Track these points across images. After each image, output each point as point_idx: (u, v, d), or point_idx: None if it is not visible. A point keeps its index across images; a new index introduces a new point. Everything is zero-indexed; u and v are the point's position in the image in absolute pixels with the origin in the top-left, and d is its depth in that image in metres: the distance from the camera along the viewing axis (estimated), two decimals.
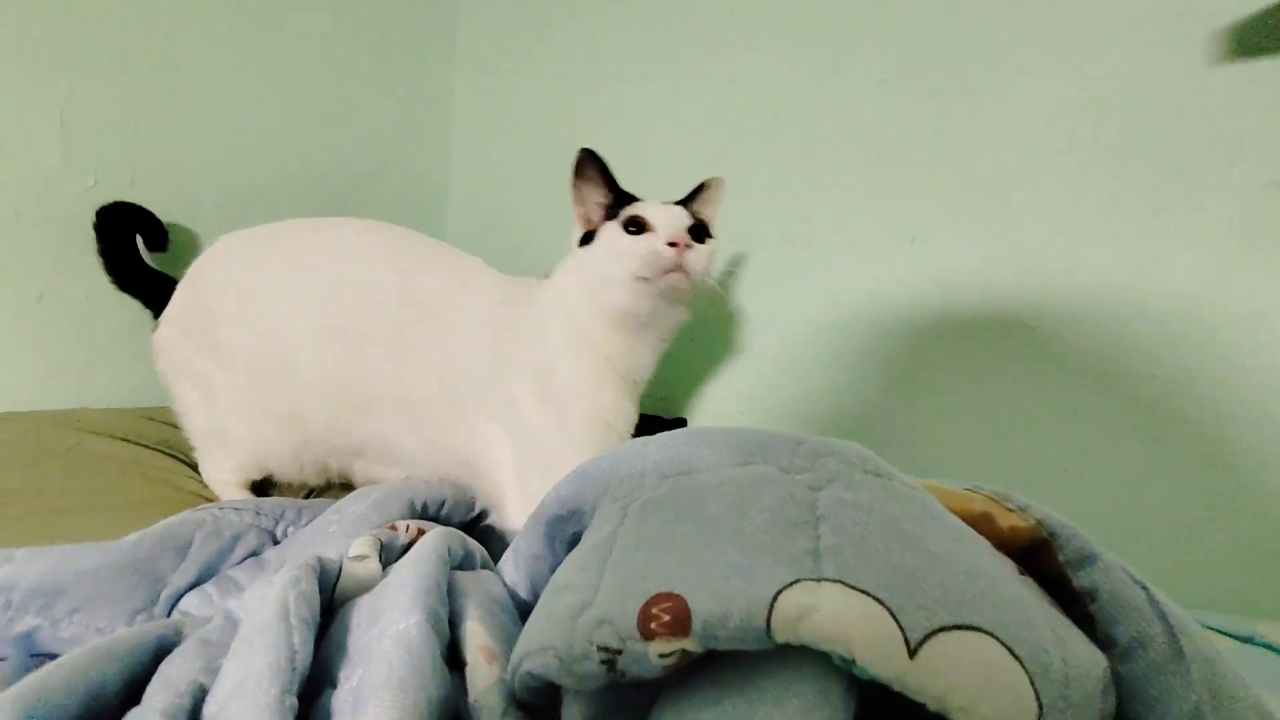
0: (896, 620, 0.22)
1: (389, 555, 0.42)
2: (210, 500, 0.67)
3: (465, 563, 0.40)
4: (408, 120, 1.26)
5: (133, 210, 0.82)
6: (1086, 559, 0.26)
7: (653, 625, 0.23)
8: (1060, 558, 0.27)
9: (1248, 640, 0.55)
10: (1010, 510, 0.28)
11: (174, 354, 0.71)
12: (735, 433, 0.32)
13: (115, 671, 0.28)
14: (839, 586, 0.23)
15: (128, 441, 0.74)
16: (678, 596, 0.23)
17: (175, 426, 0.74)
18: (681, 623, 0.23)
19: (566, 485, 0.38)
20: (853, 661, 0.22)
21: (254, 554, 0.50)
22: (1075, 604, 0.27)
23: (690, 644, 0.23)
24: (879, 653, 0.21)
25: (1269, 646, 0.55)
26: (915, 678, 0.21)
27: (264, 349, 0.68)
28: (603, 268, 0.62)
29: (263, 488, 0.74)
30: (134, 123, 0.88)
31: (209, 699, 0.27)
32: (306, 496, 0.73)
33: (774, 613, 0.22)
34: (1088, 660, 0.24)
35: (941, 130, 0.79)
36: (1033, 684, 0.22)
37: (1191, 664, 0.25)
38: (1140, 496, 0.68)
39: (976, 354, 0.77)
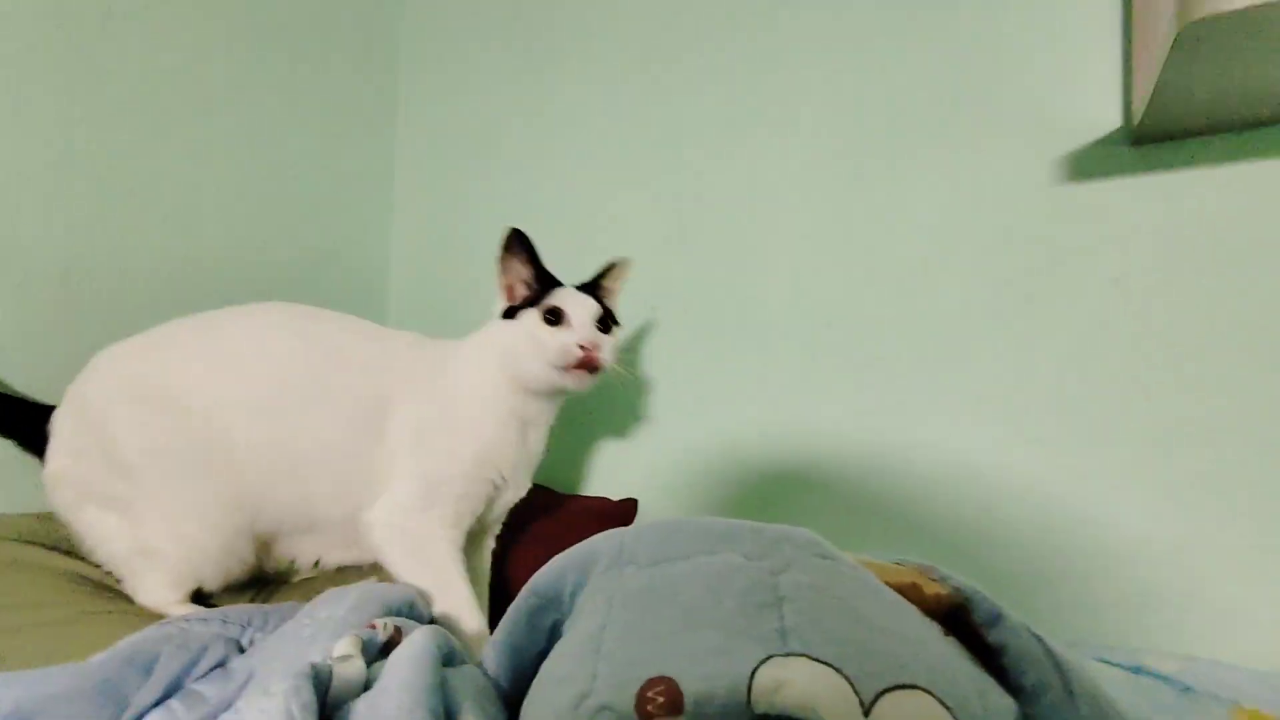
0: (852, 685, 0.27)
1: (370, 653, 0.43)
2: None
3: (449, 659, 0.42)
4: (349, 206, 1.29)
5: None
6: (995, 619, 0.33)
7: (649, 708, 0.27)
8: (975, 619, 0.33)
9: (1136, 670, 0.64)
10: (933, 580, 0.34)
11: (74, 483, 0.68)
12: (703, 523, 0.37)
13: None
14: (804, 660, 0.27)
15: (59, 551, 0.70)
16: (669, 679, 0.27)
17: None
18: (675, 703, 0.27)
19: (542, 578, 0.42)
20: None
21: (220, 664, 0.49)
22: (990, 658, 0.33)
23: None
24: (841, 714, 0.26)
25: (1155, 675, 0.63)
26: None
27: (182, 443, 0.66)
28: (521, 348, 0.70)
29: (202, 599, 0.71)
30: (65, 220, 0.87)
31: None
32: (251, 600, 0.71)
33: (753, 687, 0.27)
34: (1003, 706, 0.30)
35: (854, 229, 0.91)
36: None
37: (1080, 702, 0.31)
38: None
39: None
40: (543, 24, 1.22)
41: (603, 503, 0.95)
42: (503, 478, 0.73)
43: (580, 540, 0.42)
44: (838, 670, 0.27)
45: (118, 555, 0.68)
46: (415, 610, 0.56)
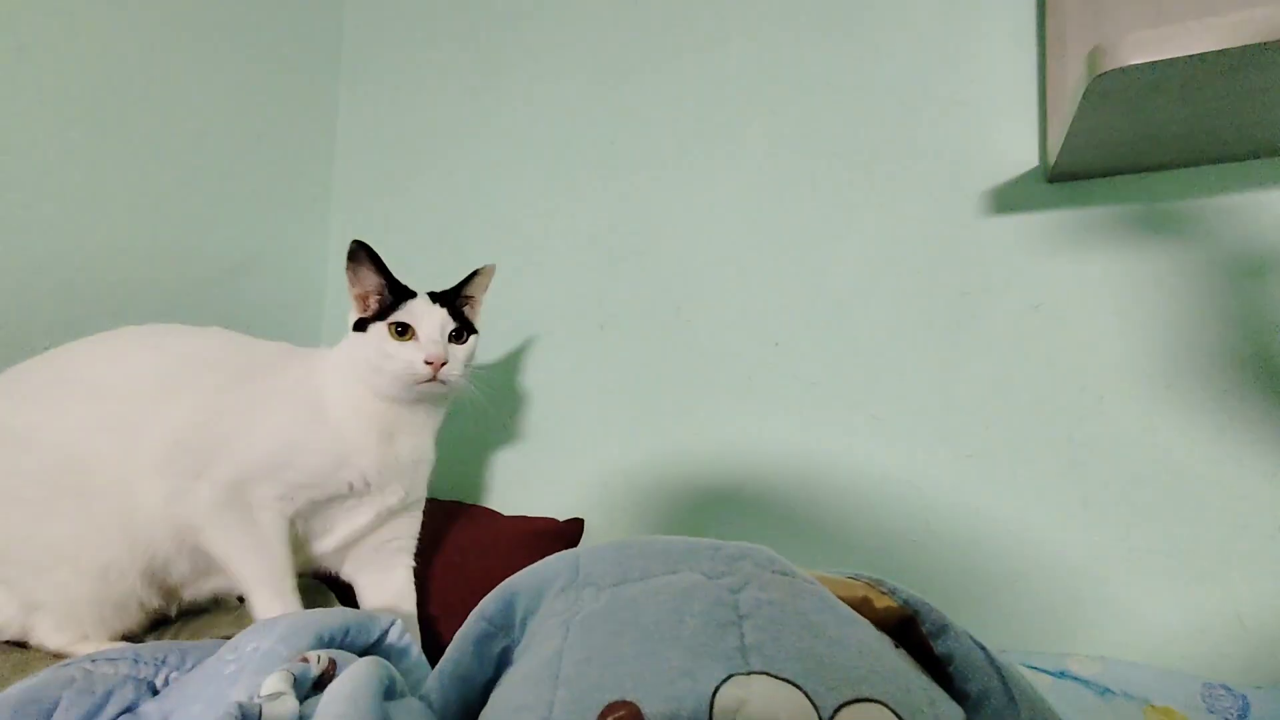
0: (811, 701, 0.27)
1: (301, 689, 0.40)
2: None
3: (390, 692, 0.40)
4: (286, 209, 1.23)
5: None
6: (941, 629, 0.34)
7: None
8: (923, 630, 0.34)
9: (1060, 675, 0.67)
10: (883, 593, 0.35)
11: None
12: (661, 542, 0.36)
13: None
14: (764, 677, 0.28)
15: None
16: (630, 703, 0.27)
17: None
18: None
19: (492, 602, 0.40)
20: None
21: (128, 709, 0.45)
22: (937, 667, 0.34)
23: None
24: None
25: (1076, 679, 0.67)
26: None
27: (31, 481, 0.62)
28: (372, 362, 0.70)
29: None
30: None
31: None
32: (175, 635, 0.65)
33: (714, 708, 0.26)
34: (953, 714, 0.31)
35: (794, 254, 0.94)
36: None
37: (1020, 707, 0.32)
38: None
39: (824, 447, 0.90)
40: (490, 39, 1.22)
41: (548, 523, 0.93)
42: (365, 482, 0.70)
43: (527, 562, 0.41)
44: (798, 687, 0.27)
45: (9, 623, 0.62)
46: (350, 639, 0.53)
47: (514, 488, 1.08)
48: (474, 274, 0.80)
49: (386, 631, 0.53)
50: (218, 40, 1.10)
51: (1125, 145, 0.70)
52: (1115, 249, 0.79)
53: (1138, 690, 0.65)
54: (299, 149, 1.27)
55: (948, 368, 0.85)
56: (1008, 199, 0.84)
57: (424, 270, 0.88)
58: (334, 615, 0.54)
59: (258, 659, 0.45)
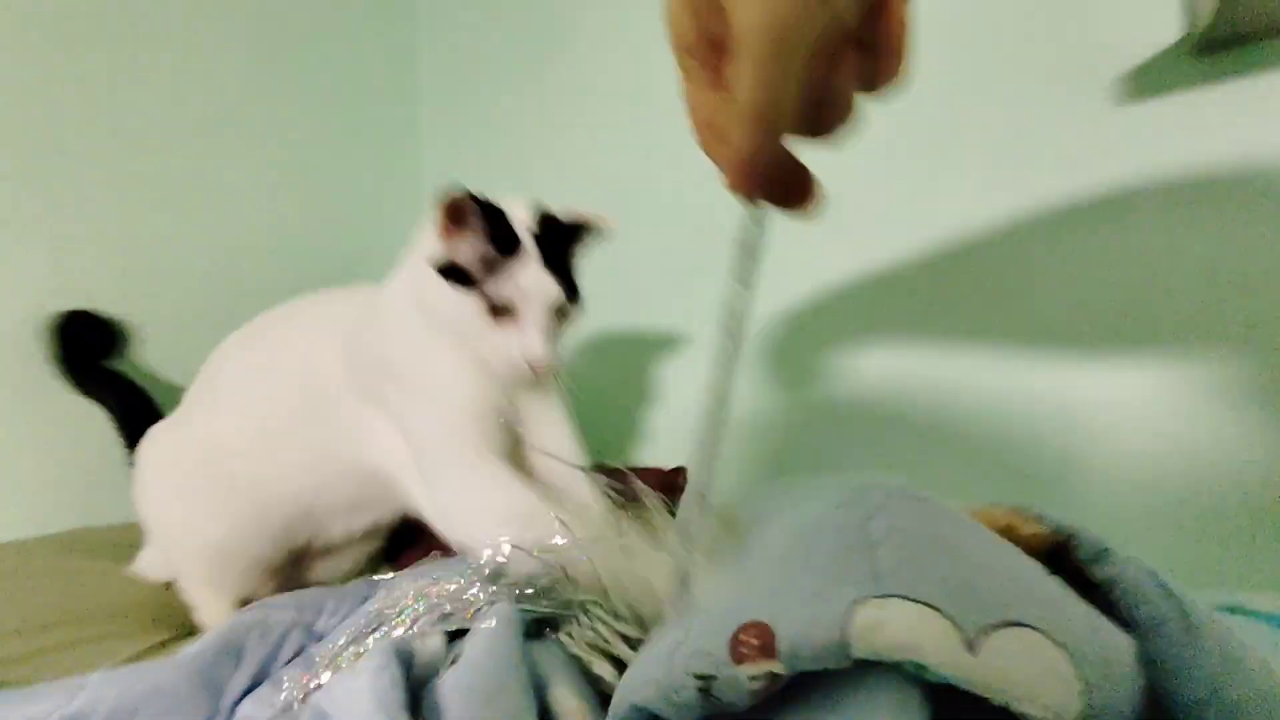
0: (955, 624, 0.25)
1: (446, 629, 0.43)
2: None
3: (530, 632, 0.42)
4: (380, 202, 1.30)
5: (89, 317, 0.83)
6: (1101, 554, 0.31)
7: (743, 650, 0.26)
8: (1079, 556, 0.31)
9: (1233, 611, 0.60)
10: (1029, 519, 0.32)
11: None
12: (793, 484, 0.36)
13: None
14: (900, 600, 0.26)
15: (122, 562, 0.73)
16: (763, 624, 0.26)
17: None
18: (768, 646, 0.26)
19: None
20: (924, 666, 0.25)
21: (298, 652, 0.50)
22: (1096, 595, 0.31)
23: (777, 666, 0.26)
24: (946, 655, 0.25)
25: (1254, 614, 0.60)
26: (979, 674, 0.24)
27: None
28: (465, 330, 0.59)
29: None
30: (124, 242, 0.89)
31: None
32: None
33: (850, 628, 0.25)
34: (1119, 643, 0.28)
35: (914, 177, 0.87)
36: (1076, 668, 0.25)
37: (1203, 636, 0.28)
38: None
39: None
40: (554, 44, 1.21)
41: (654, 474, 0.95)
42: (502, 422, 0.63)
43: None
44: (938, 610, 0.26)
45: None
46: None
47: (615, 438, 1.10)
48: (585, 223, 0.63)
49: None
50: (310, 57, 1.16)
51: None
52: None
53: None
54: (389, 143, 1.33)
55: (1086, 275, 0.76)
56: (1148, 80, 0.73)
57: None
58: (464, 568, 0.56)
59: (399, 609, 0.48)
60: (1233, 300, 0.69)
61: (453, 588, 0.42)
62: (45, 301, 0.81)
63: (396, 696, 0.31)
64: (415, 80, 1.37)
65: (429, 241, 0.60)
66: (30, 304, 0.80)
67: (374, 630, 0.42)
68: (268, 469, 0.67)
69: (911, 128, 0.85)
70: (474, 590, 0.42)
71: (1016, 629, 0.25)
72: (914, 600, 0.26)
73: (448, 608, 0.42)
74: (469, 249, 0.57)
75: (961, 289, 0.84)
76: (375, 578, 0.56)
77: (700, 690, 0.26)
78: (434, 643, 0.39)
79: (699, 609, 0.29)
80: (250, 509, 0.68)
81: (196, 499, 0.68)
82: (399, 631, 0.40)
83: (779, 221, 0.34)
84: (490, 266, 0.57)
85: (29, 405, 0.80)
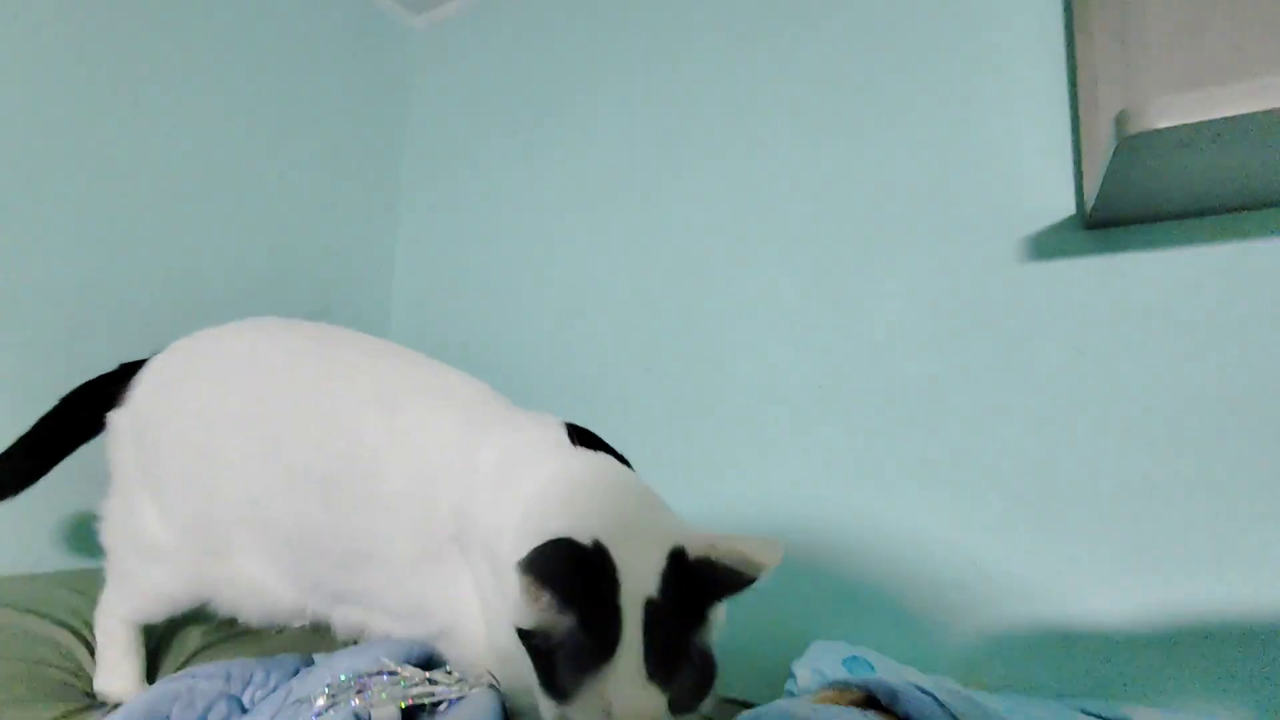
0: None
1: (403, 703, 0.44)
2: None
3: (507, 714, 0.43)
4: (354, 211, 1.33)
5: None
6: (893, 695, 0.42)
7: None
8: (883, 703, 0.42)
9: None
10: (842, 690, 0.45)
11: (120, 447, 0.64)
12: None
13: None
14: None
15: (34, 613, 0.68)
16: None
17: (90, 595, 0.67)
18: None
19: None
20: None
21: None
22: None
23: None
24: None
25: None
26: None
27: (209, 509, 0.61)
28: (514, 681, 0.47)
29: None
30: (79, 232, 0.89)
31: None
32: None
33: None
34: None
35: (840, 301, 0.98)
36: None
37: None
38: None
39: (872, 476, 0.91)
40: (534, 116, 1.31)
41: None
42: None
43: None
44: None
45: (110, 548, 0.65)
46: (439, 660, 0.55)
47: None
48: (743, 571, 0.42)
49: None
50: (304, 127, 1.22)
51: (1161, 194, 0.72)
52: (1157, 293, 0.79)
53: None
54: (369, 157, 1.38)
55: (995, 412, 0.86)
56: (1046, 245, 0.86)
57: (472, 310, 0.90)
58: (418, 644, 0.55)
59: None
60: None
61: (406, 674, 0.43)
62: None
63: None
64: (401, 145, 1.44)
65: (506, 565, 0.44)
66: None
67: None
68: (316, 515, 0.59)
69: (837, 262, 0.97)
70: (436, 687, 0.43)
71: None
72: None
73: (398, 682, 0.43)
74: (556, 627, 0.41)
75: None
76: (312, 655, 0.55)
77: None
78: (388, 714, 0.39)
79: None
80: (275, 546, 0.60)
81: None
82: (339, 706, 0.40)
83: None
84: (579, 664, 0.40)
85: None
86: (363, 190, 1.36)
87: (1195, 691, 0.71)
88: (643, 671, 0.39)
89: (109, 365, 0.69)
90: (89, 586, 0.69)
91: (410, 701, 0.42)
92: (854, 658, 0.75)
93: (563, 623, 0.40)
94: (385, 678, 0.43)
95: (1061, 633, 0.78)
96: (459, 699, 0.42)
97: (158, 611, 0.65)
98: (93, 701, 0.61)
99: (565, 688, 0.39)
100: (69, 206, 0.89)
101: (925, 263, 0.93)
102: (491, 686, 0.45)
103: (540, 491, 0.50)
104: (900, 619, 0.85)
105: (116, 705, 0.54)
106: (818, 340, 0.98)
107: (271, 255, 1.15)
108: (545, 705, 0.41)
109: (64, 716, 0.55)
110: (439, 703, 0.43)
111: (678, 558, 0.42)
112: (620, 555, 0.41)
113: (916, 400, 0.90)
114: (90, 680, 0.63)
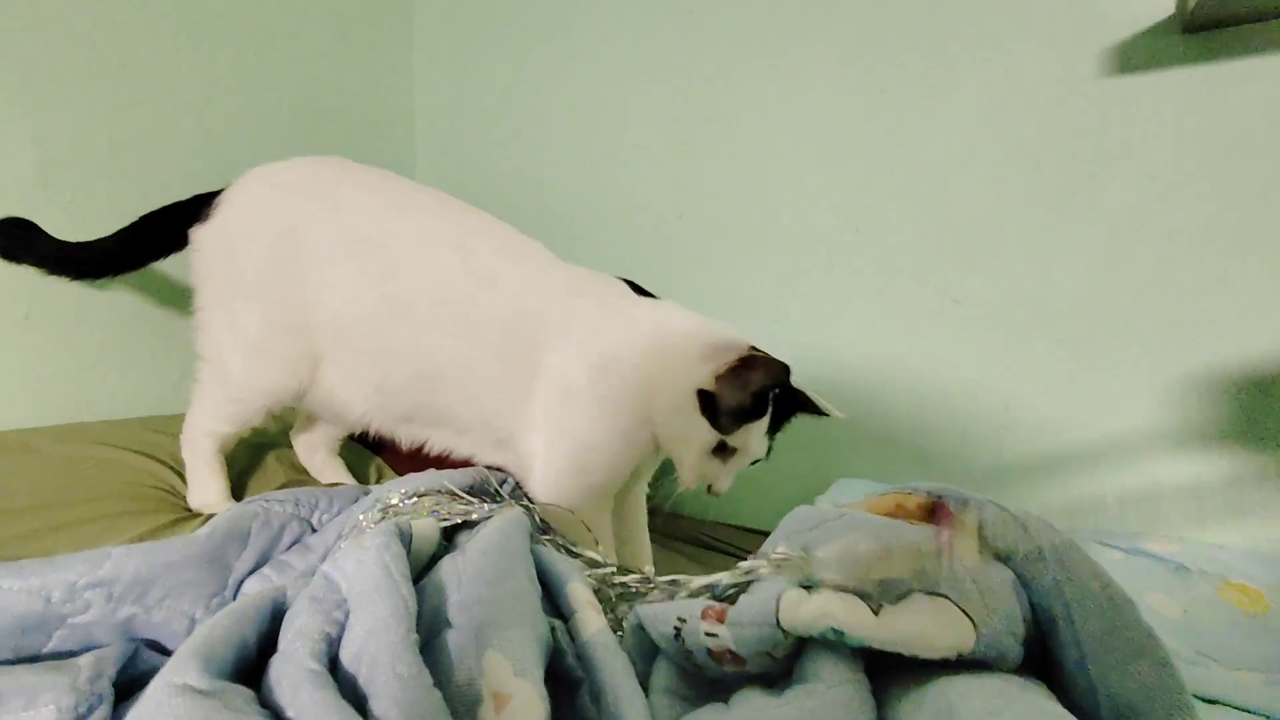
0: (862, 597, 0.33)
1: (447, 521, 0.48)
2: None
3: (532, 536, 0.47)
4: (368, 51, 1.25)
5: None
6: (964, 502, 0.39)
7: (708, 613, 0.35)
8: (950, 509, 0.39)
9: (1134, 552, 0.69)
10: (909, 494, 0.42)
11: (209, 260, 0.70)
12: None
13: (252, 630, 0.34)
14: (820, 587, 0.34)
15: (128, 450, 0.76)
16: (724, 607, 0.36)
17: (171, 434, 0.75)
18: (722, 616, 0.35)
19: None
20: (841, 632, 0.32)
21: (297, 540, 0.55)
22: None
23: (723, 629, 0.34)
24: (856, 620, 0.32)
25: (1151, 556, 0.68)
26: (884, 633, 0.31)
27: (306, 318, 0.67)
28: (671, 433, 0.63)
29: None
30: (108, 136, 0.88)
31: (344, 643, 0.33)
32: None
33: (779, 606, 0.33)
34: (996, 576, 0.35)
35: (890, 127, 0.89)
36: (962, 608, 0.32)
37: (1046, 552, 0.35)
38: None
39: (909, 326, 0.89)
40: None
41: None
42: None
43: None
44: (847, 590, 0.33)
45: (204, 354, 0.72)
46: (476, 490, 0.60)
47: None
48: (816, 407, 0.65)
49: (500, 486, 0.61)
50: None
51: None
52: (1258, 108, 0.70)
53: (1215, 568, 0.65)
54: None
55: (1060, 246, 0.80)
56: (1137, 53, 0.75)
57: (498, 153, 0.86)
58: (462, 473, 0.61)
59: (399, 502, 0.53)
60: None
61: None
62: (31, 196, 0.80)
63: (400, 568, 0.36)
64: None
65: (695, 360, 0.62)
66: (16, 199, 0.79)
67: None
68: (430, 336, 0.67)
69: (898, 77, 0.87)
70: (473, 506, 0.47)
71: (907, 596, 0.33)
72: (827, 586, 0.34)
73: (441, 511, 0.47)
74: (734, 395, 0.60)
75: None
76: (369, 487, 0.60)
77: (675, 628, 0.35)
78: (429, 528, 0.44)
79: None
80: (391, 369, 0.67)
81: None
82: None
83: None
84: (739, 418, 0.61)
85: (20, 302, 0.81)
86: (376, 32, 1.27)
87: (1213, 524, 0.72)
88: (767, 427, 0.62)
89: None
90: (170, 427, 0.76)
91: (449, 518, 0.46)
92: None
93: (742, 398, 0.60)
94: (428, 499, 0.47)
95: (1090, 473, 0.79)
96: (490, 517, 0.46)
97: (250, 414, 0.71)
98: (190, 513, 0.70)
99: (727, 428, 0.60)
100: None
101: (994, 80, 0.82)
102: (526, 508, 0.49)
103: (655, 324, 0.65)
104: (925, 458, 0.88)
105: (210, 516, 0.62)
106: (860, 174, 0.91)
107: (289, 100, 1.11)
108: (693, 448, 0.62)
109: (169, 524, 0.64)
110: (477, 521, 0.47)
111: (789, 384, 0.62)
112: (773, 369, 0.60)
113: (965, 236, 0.85)
114: (184, 498, 0.72)
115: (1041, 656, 0.35)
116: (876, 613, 0.32)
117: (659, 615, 0.37)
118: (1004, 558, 0.36)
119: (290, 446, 0.85)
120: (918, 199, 0.87)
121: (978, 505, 0.39)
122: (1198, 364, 0.74)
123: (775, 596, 0.33)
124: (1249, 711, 0.49)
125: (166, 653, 0.42)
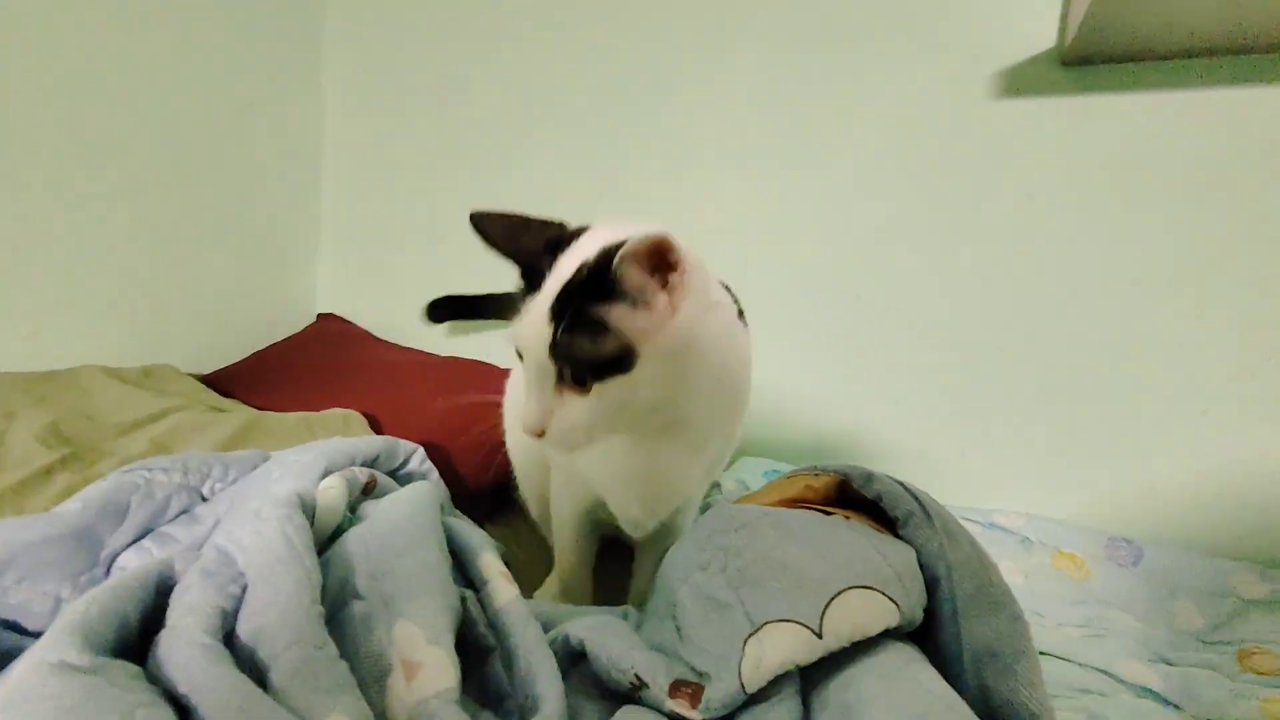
0: (802, 624, 0.35)
1: (353, 492, 0.47)
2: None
3: (443, 508, 0.47)
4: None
5: None
6: (867, 479, 0.43)
7: (679, 692, 0.35)
8: (855, 485, 0.43)
9: (989, 525, 0.78)
10: (817, 474, 0.45)
11: None
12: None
13: (134, 606, 0.32)
14: (768, 628, 0.35)
15: None
16: (698, 685, 0.35)
17: None
18: (696, 699, 0.34)
19: None
20: (799, 665, 0.34)
21: (184, 511, 0.51)
22: (874, 506, 0.43)
23: (696, 715, 0.34)
24: (806, 651, 0.34)
25: (1002, 529, 0.78)
26: (833, 644, 0.34)
27: None
28: None
29: None
30: None
31: (241, 617, 0.32)
32: None
33: (741, 677, 0.34)
34: (903, 553, 0.39)
35: (805, 140, 0.93)
36: (886, 594, 0.36)
37: (934, 519, 0.40)
38: None
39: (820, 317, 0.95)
40: None
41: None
42: None
43: None
44: (788, 621, 0.35)
45: None
46: (380, 463, 0.58)
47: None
48: (616, 250, 0.40)
49: (409, 458, 0.60)
50: None
51: (1146, 29, 0.69)
52: (1124, 139, 0.78)
53: (1050, 539, 0.75)
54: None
55: (950, 256, 0.87)
56: (1021, 80, 0.82)
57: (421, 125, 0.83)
58: (368, 441, 0.59)
59: (298, 468, 0.51)
60: None
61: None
62: None
63: (304, 540, 0.35)
64: None
65: None
66: None
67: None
68: None
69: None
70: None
71: (840, 597, 0.35)
72: (775, 622, 0.35)
73: (351, 474, 0.46)
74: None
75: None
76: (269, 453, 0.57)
77: (631, 685, 0.35)
78: (334, 497, 0.42)
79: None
80: None
81: None
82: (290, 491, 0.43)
83: None
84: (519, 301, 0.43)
85: None
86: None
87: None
88: (549, 305, 0.41)
89: None
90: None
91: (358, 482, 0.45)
92: (777, 471, 0.83)
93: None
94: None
95: (957, 452, 0.87)
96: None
97: None
98: None
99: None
100: None
101: (896, 96, 0.88)
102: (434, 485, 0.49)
103: None
104: (821, 438, 0.94)
105: None
106: (776, 186, 0.95)
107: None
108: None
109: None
110: (383, 494, 0.46)
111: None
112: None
113: (865, 250, 0.91)
114: None
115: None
116: (819, 633, 0.34)
117: (612, 660, 0.36)
118: (899, 526, 0.41)
119: None
120: (830, 205, 0.93)
121: (877, 480, 0.43)
122: (1054, 372, 0.83)
123: (736, 671, 0.34)
124: (1069, 660, 0.58)
125: (27, 634, 0.38)
